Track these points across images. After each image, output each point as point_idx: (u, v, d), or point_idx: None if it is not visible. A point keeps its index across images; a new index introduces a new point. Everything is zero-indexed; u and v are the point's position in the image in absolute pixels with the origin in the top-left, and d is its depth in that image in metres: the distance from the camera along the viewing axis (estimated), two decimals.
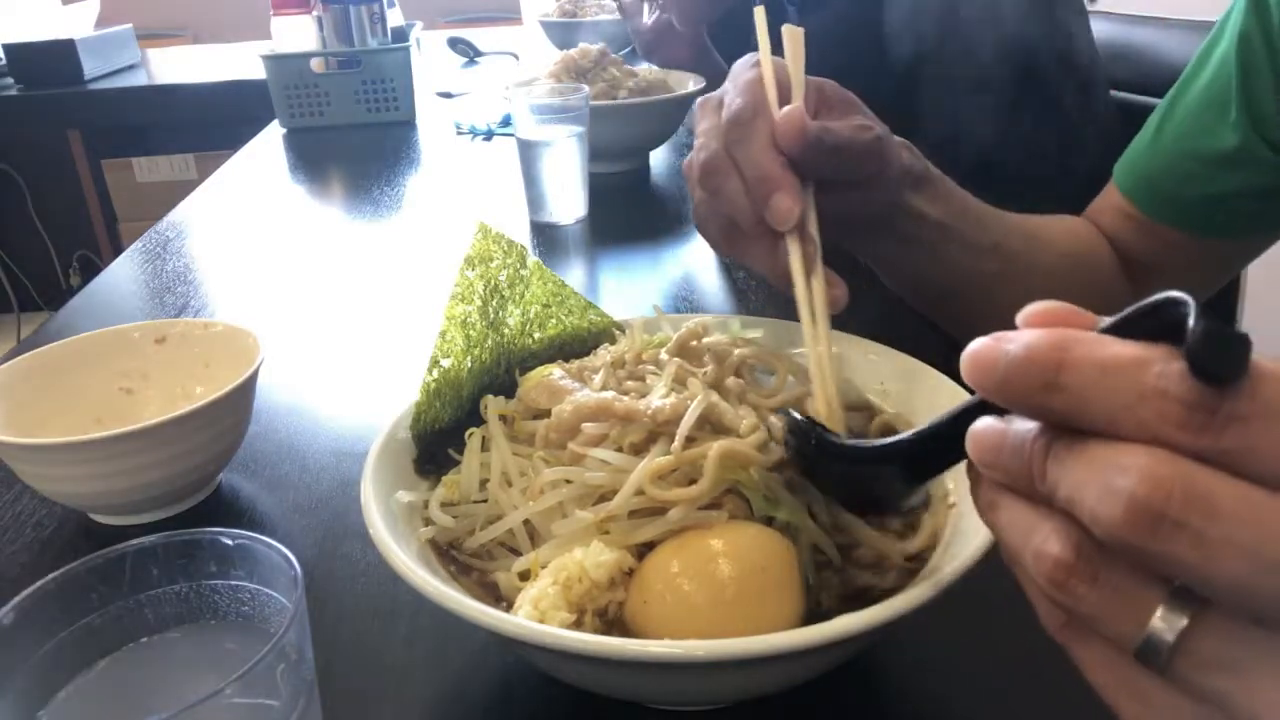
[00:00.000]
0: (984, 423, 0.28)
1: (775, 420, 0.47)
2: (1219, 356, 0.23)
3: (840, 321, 0.60)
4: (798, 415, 0.44)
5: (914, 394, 0.56)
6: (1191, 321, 0.23)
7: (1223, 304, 1.21)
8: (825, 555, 0.46)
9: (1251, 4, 0.67)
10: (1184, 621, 0.24)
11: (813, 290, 0.53)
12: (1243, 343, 0.23)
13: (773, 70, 0.56)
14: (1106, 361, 0.24)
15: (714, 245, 0.60)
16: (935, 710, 0.48)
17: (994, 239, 0.70)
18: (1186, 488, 0.22)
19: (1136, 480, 0.23)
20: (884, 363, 0.58)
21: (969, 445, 0.29)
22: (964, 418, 0.31)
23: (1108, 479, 0.24)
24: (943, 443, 0.33)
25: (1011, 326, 0.28)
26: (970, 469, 0.30)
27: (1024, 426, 0.27)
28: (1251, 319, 1.22)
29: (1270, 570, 0.22)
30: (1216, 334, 0.23)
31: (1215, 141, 0.69)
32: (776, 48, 0.58)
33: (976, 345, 0.27)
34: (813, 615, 0.43)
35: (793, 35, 0.58)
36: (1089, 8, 1.10)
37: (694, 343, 0.55)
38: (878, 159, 0.59)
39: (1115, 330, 0.26)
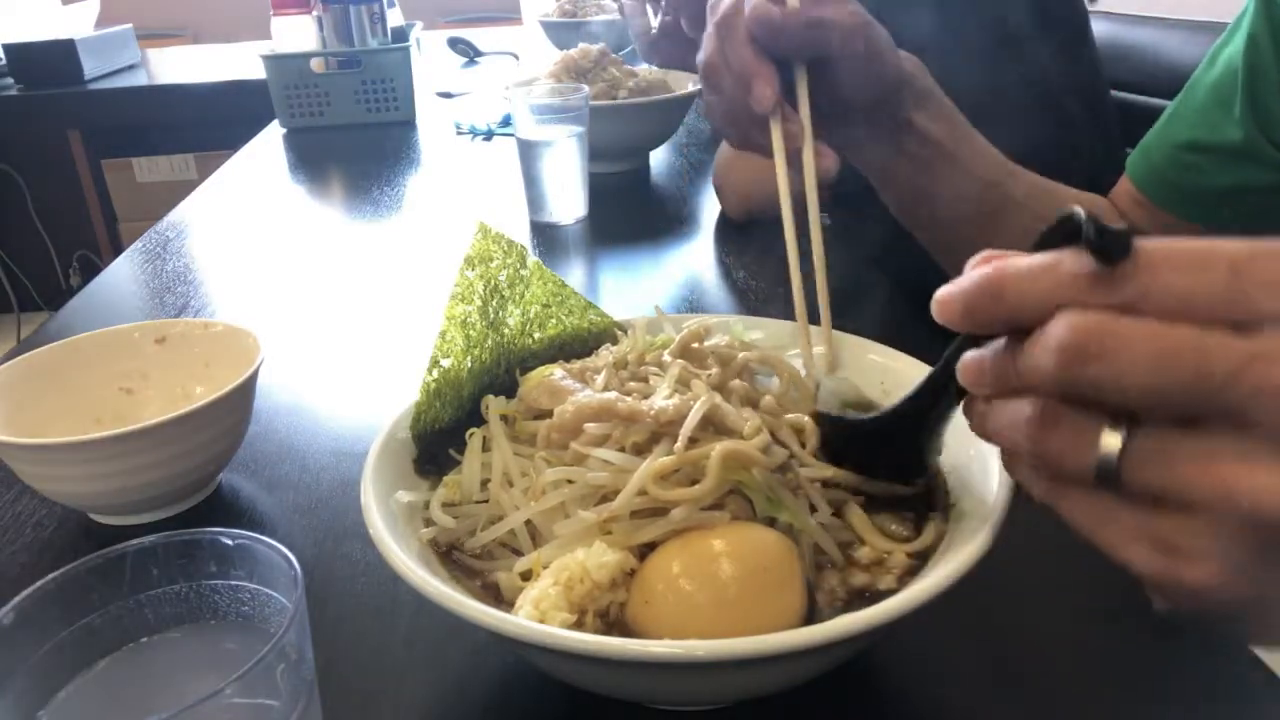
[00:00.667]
0: (967, 355, 0.36)
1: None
2: (1108, 243, 0.30)
3: (842, 322, 0.60)
4: (821, 411, 0.50)
5: None
6: (1084, 224, 0.30)
7: None
8: (826, 556, 0.46)
9: (1262, 5, 0.68)
10: (1121, 435, 0.31)
11: (805, 163, 0.57)
12: (1124, 232, 0.30)
13: None
14: (1033, 267, 0.32)
15: (725, 136, 0.66)
16: (935, 710, 0.47)
17: (996, 176, 0.73)
18: (1098, 327, 0.30)
19: (1064, 330, 0.30)
20: (885, 363, 0.58)
21: (960, 375, 0.36)
22: (949, 363, 0.38)
23: (1047, 338, 0.31)
24: (938, 389, 0.41)
25: None
26: (965, 405, 0.37)
27: (995, 344, 0.34)
28: None
29: (1169, 374, 0.29)
30: (1104, 229, 0.30)
31: (1220, 136, 0.71)
32: None
33: (940, 292, 0.34)
34: (813, 615, 0.44)
35: None
36: (1089, 8, 1.10)
37: (696, 344, 0.55)
38: (862, 38, 0.62)
39: (1037, 248, 0.33)
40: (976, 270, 0.34)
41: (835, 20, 0.61)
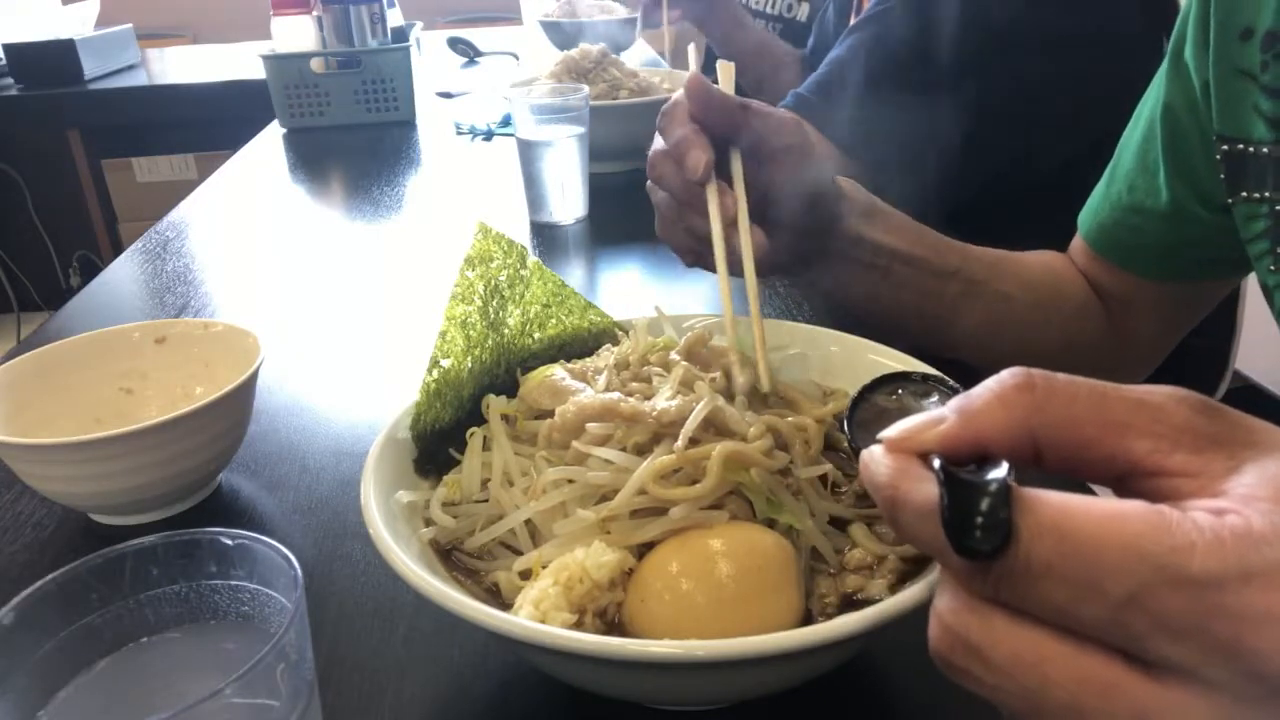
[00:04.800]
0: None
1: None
2: (975, 538, 0.26)
3: (841, 321, 0.60)
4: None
5: None
6: (944, 507, 0.27)
7: (1224, 304, 1.21)
8: (819, 560, 0.46)
9: (1172, 71, 0.68)
10: None
11: (740, 239, 0.59)
12: (994, 525, 0.26)
13: (700, 66, 0.64)
14: (916, 525, 0.29)
15: (676, 249, 0.68)
16: (934, 710, 0.48)
17: (954, 264, 0.74)
18: (964, 639, 0.27)
19: (933, 628, 0.29)
20: (885, 363, 0.58)
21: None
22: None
23: (931, 619, 0.29)
24: None
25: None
26: None
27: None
28: (1252, 319, 1.22)
29: (1033, 705, 0.26)
30: (968, 520, 0.26)
31: (1152, 200, 0.71)
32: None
33: (863, 459, 0.31)
34: (809, 617, 0.44)
35: (725, 68, 0.64)
36: None
37: (701, 348, 0.55)
38: (795, 131, 0.64)
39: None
40: (884, 470, 0.29)
41: (770, 111, 0.63)
